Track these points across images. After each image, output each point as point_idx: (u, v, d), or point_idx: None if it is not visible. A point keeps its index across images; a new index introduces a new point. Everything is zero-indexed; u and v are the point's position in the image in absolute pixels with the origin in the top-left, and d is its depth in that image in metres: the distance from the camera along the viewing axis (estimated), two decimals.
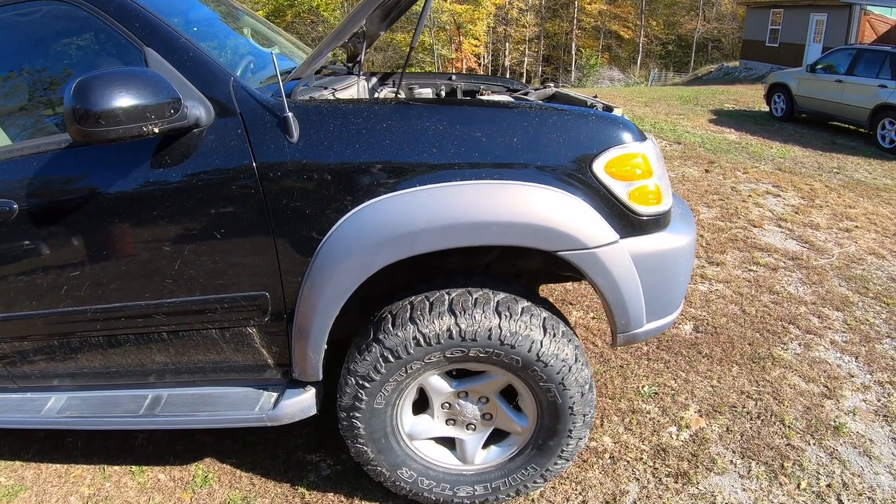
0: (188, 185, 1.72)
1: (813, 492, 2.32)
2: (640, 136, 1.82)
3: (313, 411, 2.08)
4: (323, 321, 1.84)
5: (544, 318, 1.89)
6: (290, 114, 1.66)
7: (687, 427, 2.66)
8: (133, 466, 2.55)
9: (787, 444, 2.56)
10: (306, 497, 2.37)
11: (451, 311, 1.84)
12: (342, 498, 2.36)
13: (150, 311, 1.95)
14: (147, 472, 2.52)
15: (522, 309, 1.88)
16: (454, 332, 1.82)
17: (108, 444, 2.69)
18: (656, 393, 2.90)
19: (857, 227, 5.19)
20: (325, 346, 1.91)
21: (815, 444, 2.56)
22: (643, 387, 2.94)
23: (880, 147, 8.63)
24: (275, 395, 2.08)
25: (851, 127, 9.68)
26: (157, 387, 2.16)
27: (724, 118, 10.59)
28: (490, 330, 1.82)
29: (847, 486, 2.34)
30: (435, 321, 1.83)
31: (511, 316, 1.84)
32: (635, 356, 3.20)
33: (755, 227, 5.11)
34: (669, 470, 2.42)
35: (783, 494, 2.31)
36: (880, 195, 6.31)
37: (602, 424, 2.68)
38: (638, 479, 2.39)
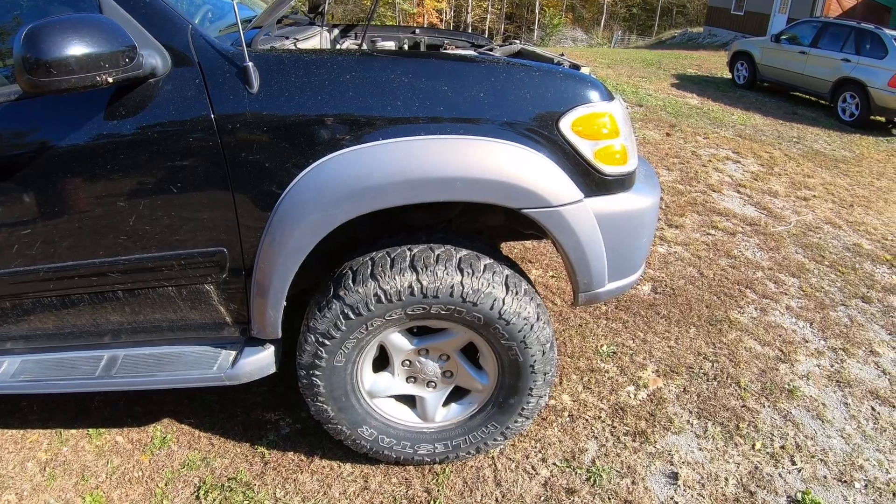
0: (143, 138, 1.62)
1: (767, 453, 2.33)
2: (608, 96, 1.76)
3: (273, 369, 2.00)
4: (282, 277, 1.76)
5: (507, 276, 1.83)
6: (250, 63, 1.58)
7: (645, 387, 2.64)
8: (90, 430, 2.44)
9: (743, 406, 2.56)
10: (266, 456, 2.30)
11: (413, 267, 1.77)
12: (302, 457, 2.30)
13: (104, 269, 1.83)
14: (105, 434, 2.41)
15: (485, 266, 1.81)
16: (415, 288, 1.76)
17: (65, 407, 2.56)
18: (615, 352, 2.86)
19: (814, 196, 5.25)
20: (284, 303, 1.83)
21: (769, 407, 2.57)
22: (602, 346, 2.90)
23: (840, 120, 8.75)
24: (233, 353, 1.99)
25: (813, 98, 9.77)
26: (113, 347, 2.05)
27: (687, 83, 10.55)
28: (452, 287, 1.76)
29: (800, 448, 2.36)
30: (396, 277, 1.77)
31: (473, 273, 1.77)
32: (594, 316, 3.15)
33: (714, 191, 5.11)
34: (627, 429, 2.39)
35: (738, 455, 2.31)
36: (838, 166, 6.40)
37: (561, 383, 2.63)
38: (596, 438, 2.35)
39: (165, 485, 2.21)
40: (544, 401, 2.06)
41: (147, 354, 2.03)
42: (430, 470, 2.24)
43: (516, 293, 1.82)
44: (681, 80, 10.75)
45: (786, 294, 3.54)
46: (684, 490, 2.15)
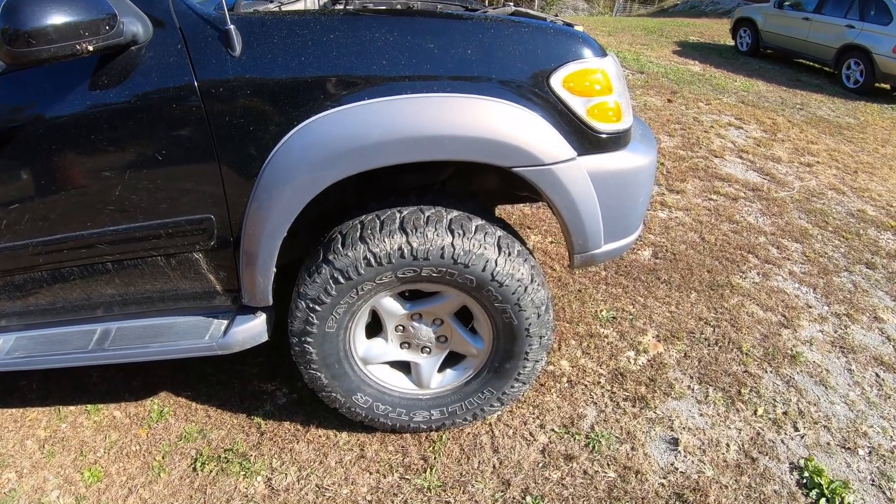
0: (127, 106, 1.56)
1: (769, 418, 2.24)
2: (601, 52, 1.67)
3: (264, 338, 1.94)
4: (270, 243, 1.70)
5: (499, 237, 1.75)
6: (232, 27, 1.52)
7: (645, 352, 2.55)
8: (88, 405, 2.40)
9: (745, 371, 2.47)
10: (262, 427, 2.25)
11: (403, 229, 1.70)
12: (298, 426, 2.25)
13: (93, 240, 1.77)
14: (103, 410, 2.37)
15: (476, 227, 1.72)
16: (405, 250, 1.68)
17: (63, 384, 2.51)
18: (614, 318, 2.77)
19: (818, 162, 5.08)
20: (275, 270, 1.77)
21: (772, 372, 2.48)
22: (601, 311, 2.81)
23: (844, 87, 8.48)
24: (225, 322, 1.93)
25: (816, 65, 9.47)
26: (106, 320, 2.00)
27: (689, 50, 10.26)
28: (443, 248, 1.68)
29: (803, 415, 2.27)
30: (386, 240, 1.70)
31: (464, 234, 1.70)
32: (593, 281, 3.05)
33: (716, 157, 4.95)
34: (627, 394, 2.31)
35: (740, 420, 2.23)
36: (842, 133, 6.21)
37: (560, 348, 2.54)
38: (595, 403, 2.27)
39: (163, 458, 2.17)
40: (541, 365, 1.98)
41: (139, 326, 1.98)
42: (426, 437, 2.17)
43: (509, 254, 1.74)
44: (683, 48, 10.44)
45: (789, 259, 3.42)
46: (685, 456, 2.07)
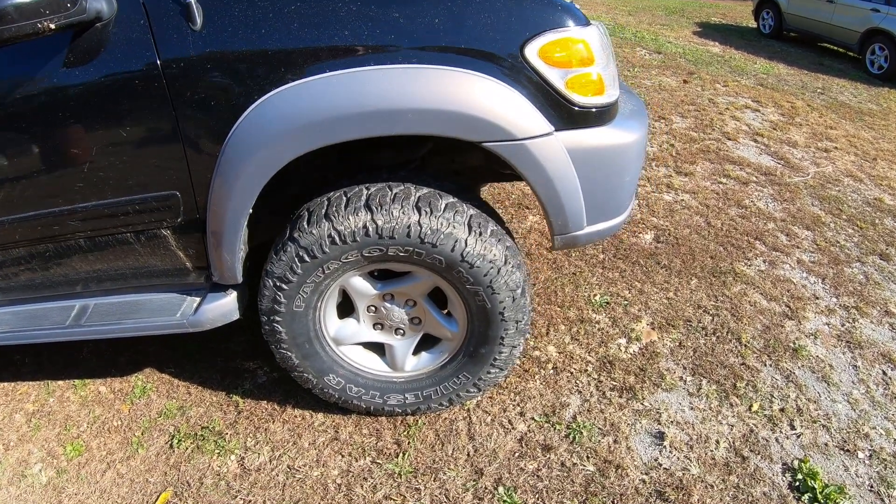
0: (94, 84, 1.51)
1: (765, 415, 2.08)
2: (583, 21, 1.52)
3: (236, 316, 1.86)
4: (235, 219, 1.62)
5: (470, 216, 1.62)
6: (192, 0, 1.44)
7: (637, 340, 2.39)
8: (76, 380, 2.38)
9: (742, 364, 2.31)
10: (240, 405, 2.20)
11: (368, 206, 1.59)
12: (275, 406, 2.18)
13: (63, 217, 1.72)
14: (89, 385, 2.35)
15: (446, 205, 1.59)
16: (370, 228, 1.56)
17: (54, 359, 2.48)
18: (608, 303, 2.61)
19: (836, 148, 4.80)
20: (245, 248, 1.70)
21: (771, 366, 2.31)
22: (595, 296, 2.65)
23: (868, 72, 8.03)
24: (197, 300, 1.86)
25: (840, 49, 9.01)
26: (85, 296, 1.97)
27: (710, 31, 9.83)
28: (409, 227, 1.56)
29: (801, 412, 2.11)
30: (350, 217, 1.59)
31: (432, 212, 1.57)
32: (590, 264, 2.89)
33: (729, 139, 4.70)
34: (614, 384, 2.17)
35: (733, 416, 2.07)
36: (863, 119, 5.87)
37: (548, 333, 2.40)
38: (580, 392, 2.13)
39: (142, 433, 2.14)
40: (518, 351, 1.85)
41: (116, 303, 1.94)
42: (402, 421, 2.06)
43: (480, 234, 1.61)
44: (704, 29, 10.01)
45: (798, 247, 3.21)
46: (670, 451, 1.92)
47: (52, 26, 1.35)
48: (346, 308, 1.90)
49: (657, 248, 3.08)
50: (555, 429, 2.00)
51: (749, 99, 5.86)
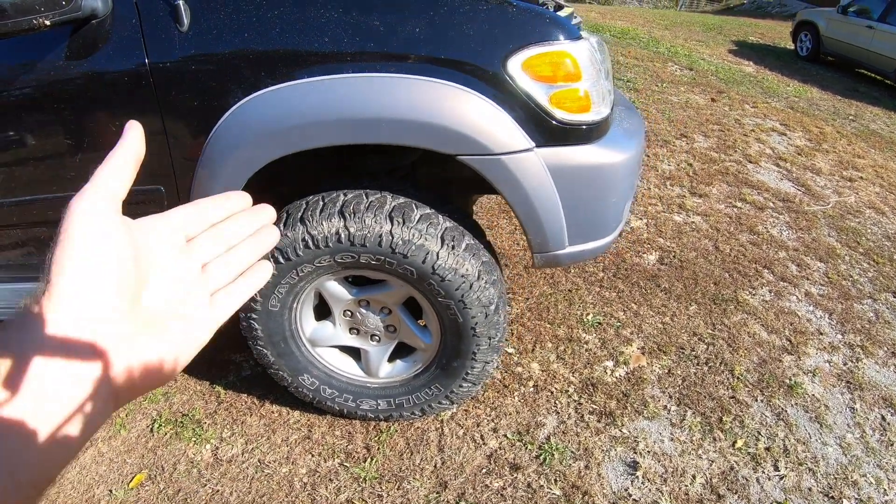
0: (87, 78, 1.52)
1: (748, 453, 1.97)
2: (572, 35, 1.44)
3: None
4: None
5: (445, 229, 1.55)
6: (181, 1, 1.44)
7: (625, 363, 2.29)
8: None
9: (732, 397, 2.19)
10: (221, 396, 2.18)
11: (342, 213, 1.55)
12: (255, 399, 2.15)
13: (57, 203, 1.74)
14: None
15: (420, 216, 1.53)
16: (342, 235, 1.52)
17: None
18: (600, 323, 2.51)
19: (861, 177, 4.58)
20: None
21: (762, 402, 2.19)
22: (588, 315, 2.55)
23: None
24: None
25: (878, 77, 8.65)
26: None
27: (746, 50, 9.52)
28: (381, 236, 1.51)
29: (788, 453, 1.99)
30: (324, 223, 1.55)
31: (405, 223, 1.52)
32: (588, 282, 2.79)
33: (751, 162, 4.53)
34: (594, 407, 2.07)
35: (714, 451, 1.96)
36: (894, 149, 5.60)
37: (533, 349, 2.31)
38: (558, 413, 2.05)
39: (126, 415, 2.14)
40: (492, 367, 1.78)
41: None
42: (375, 426, 2.01)
43: (453, 247, 1.54)
44: (740, 48, 9.72)
45: (808, 279, 3.06)
46: (642, 482, 1.83)
47: (48, 23, 1.36)
48: (324, 310, 1.85)
49: (659, 270, 2.96)
50: (526, 448, 1.92)
51: (777, 122, 5.64)
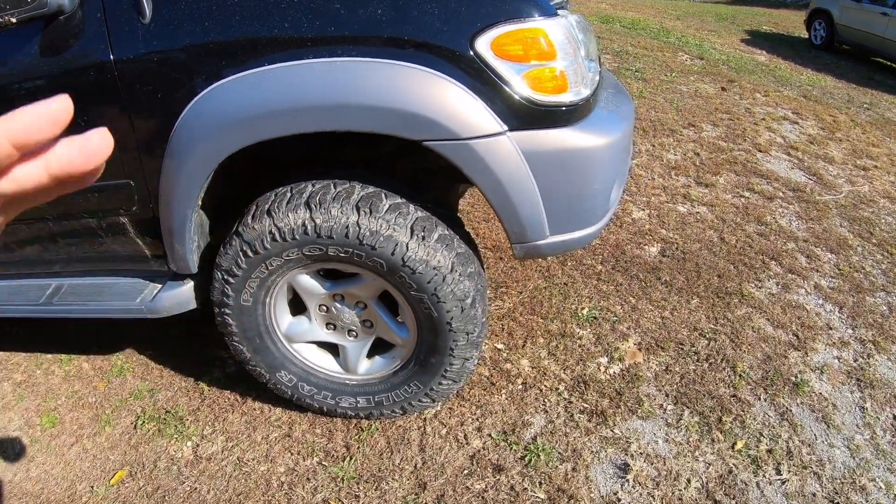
0: (56, 74, 1.48)
1: (748, 455, 1.82)
2: (546, 12, 1.31)
3: (192, 305, 1.78)
4: (181, 211, 1.55)
5: (416, 219, 1.43)
6: None
7: (620, 360, 2.15)
8: (63, 355, 2.38)
9: (733, 396, 2.04)
10: (205, 393, 2.12)
11: (308, 204, 1.45)
12: (237, 396, 2.08)
13: None
14: (74, 360, 2.34)
15: (389, 206, 1.41)
16: (309, 227, 1.42)
17: (47, 332, 2.48)
18: (595, 318, 2.36)
19: (876, 166, 4.33)
20: (198, 239, 1.62)
21: (765, 401, 2.03)
22: (583, 309, 2.41)
23: None
24: (158, 287, 1.80)
25: (894, 65, 8.27)
26: (63, 276, 1.97)
27: (758, 40, 9.18)
28: (347, 227, 1.40)
29: (791, 456, 1.83)
30: (290, 214, 1.46)
31: (371, 213, 1.41)
32: (585, 274, 2.64)
33: (760, 151, 4.31)
34: (585, 406, 1.94)
35: (712, 453, 1.81)
36: None
37: (524, 345, 2.18)
38: (546, 412, 1.92)
39: (112, 412, 2.10)
40: (472, 364, 1.66)
41: (87, 284, 1.92)
42: (356, 424, 1.90)
43: (423, 238, 1.43)
44: (752, 37, 9.37)
45: (817, 271, 2.87)
46: (633, 486, 1.69)
47: (14, 20, 1.32)
48: (301, 305, 1.75)
49: (661, 263, 2.80)
50: (511, 449, 1.79)
51: (789, 110, 5.39)
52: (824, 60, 8.24)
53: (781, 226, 3.27)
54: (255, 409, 2.02)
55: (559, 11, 1.39)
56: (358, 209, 1.38)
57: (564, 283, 2.56)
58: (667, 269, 2.73)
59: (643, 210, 3.29)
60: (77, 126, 1.25)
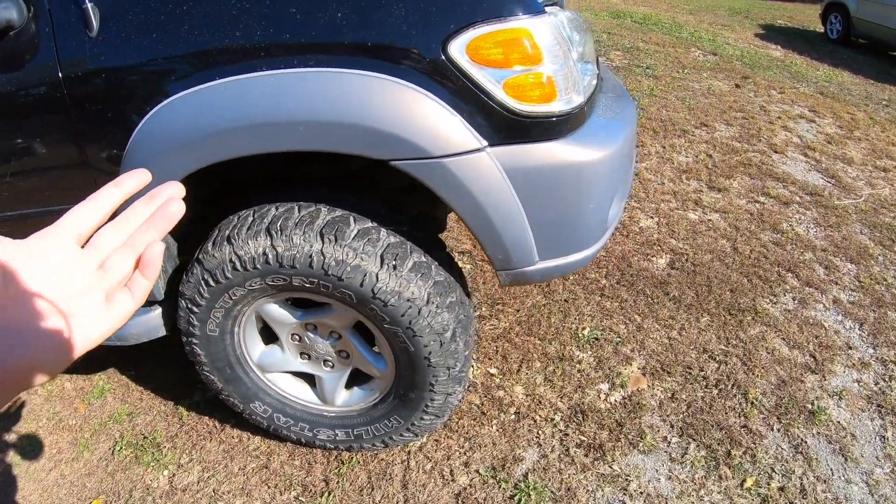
0: (6, 94, 1.37)
1: (759, 494, 1.65)
2: (531, 9, 1.13)
3: (161, 332, 1.66)
4: None
5: (387, 246, 1.28)
6: (89, 4, 1.27)
7: (622, 386, 1.98)
8: None
9: (744, 426, 1.87)
10: (184, 418, 2.00)
11: (269, 231, 1.31)
12: (216, 423, 1.96)
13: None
14: (57, 380, 2.24)
15: (358, 232, 1.26)
16: (270, 256, 1.28)
17: None
18: (597, 339, 2.20)
19: None
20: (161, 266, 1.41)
21: (779, 431, 1.86)
22: (584, 329, 2.24)
23: None
24: None
25: None
26: None
27: (773, 34, 8.84)
28: (311, 256, 1.27)
29: (805, 494, 1.66)
30: (250, 242, 1.32)
31: (337, 240, 1.26)
32: (588, 290, 2.47)
33: (776, 152, 4.09)
34: (582, 439, 1.78)
35: (719, 491, 1.65)
36: None
37: (519, 370, 2.03)
38: (540, 445, 1.76)
39: (90, 436, 2.00)
40: (456, 398, 1.52)
41: None
42: (337, 456, 1.77)
43: (395, 267, 1.28)
44: (767, 31, 9.04)
45: (837, 283, 2.67)
46: None
47: None
48: (274, 333, 1.62)
49: (669, 276, 2.62)
50: (500, 487, 1.64)
51: (805, 108, 5.14)
52: (841, 55, 7.92)
53: (798, 234, 3.07)
54: (233, 437, 1.90)
55: (548, 8, 1.23)
56: (322, 236, 1.24)
57: (565, 300, 2.40)
58: (675, 284, 2.55)
59: (651, 218, 3.11)
60: (31, 149, 1.04)
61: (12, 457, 1.95)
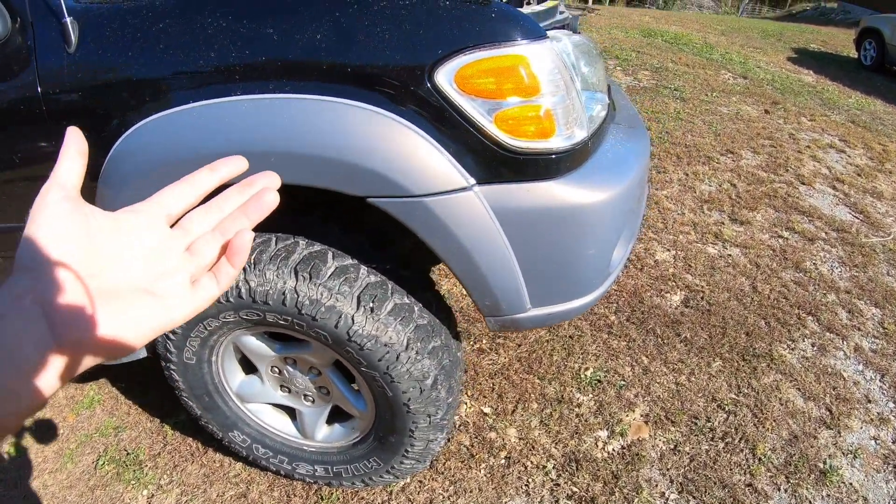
0: None
1: None
2: (531, 34, 1.02)
3: (143, 354, 1.60)
4: None
5: (365, 286, 1.20)
6: (68, 19, 1.22)
7: (622, 435, 1.86)
8: None
9: (749, 485, 1.73)
10: (168, 437, 1.96)
11: None
12: (199, 445, 1.91)
13: None
14: None
15: (336, 269, 1.18)
16: (243, 290, 1.22)
17: None
18: (599, 381, 2.08)
19: None
20: None
21: (786, 492, 1.72)
22: (587, 370, 2.13)
23: None
24: None
25: None
26: None
27: (805, 59, 8.58)
28: (284, 293, 1.20)
29: None
30: None
31: (311, 278, 1.18)
32: (595, 326, 2.36)
33: (803, 184, 3.91)
34: (574, 490, 1.67)
35: None
36: None
37: (514, 411, 1.92)
38: (528, 495, 1.66)
39: (76, 447, 1.97)
40: (438, 445, 1.43)
41: None
42: (317, 490, 1.70)
43: (372, 310, 1.19)
44: (799, 55, 8.78)
45: (859, 329, 2.51)
46: None
47: None
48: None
49: (682, 315, 2.49)
50: None
51: (836, 137, 4.93)
52: (874, 83, 7.63)
53: (822, 273, 2.91)
54: (214, 462, 1.84)
55: (553, 33, 1.13)
56: (296, 273, 1.16)
57: (570, 336, 2.28)
58: (688, 324, 2.42)
59: (669, 251, 2.98)
60: (11, 164, 0.93)
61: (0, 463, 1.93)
